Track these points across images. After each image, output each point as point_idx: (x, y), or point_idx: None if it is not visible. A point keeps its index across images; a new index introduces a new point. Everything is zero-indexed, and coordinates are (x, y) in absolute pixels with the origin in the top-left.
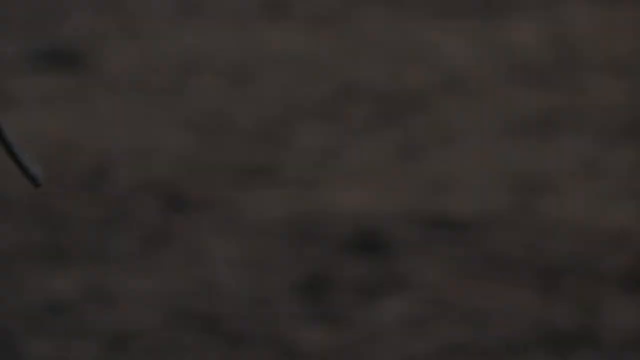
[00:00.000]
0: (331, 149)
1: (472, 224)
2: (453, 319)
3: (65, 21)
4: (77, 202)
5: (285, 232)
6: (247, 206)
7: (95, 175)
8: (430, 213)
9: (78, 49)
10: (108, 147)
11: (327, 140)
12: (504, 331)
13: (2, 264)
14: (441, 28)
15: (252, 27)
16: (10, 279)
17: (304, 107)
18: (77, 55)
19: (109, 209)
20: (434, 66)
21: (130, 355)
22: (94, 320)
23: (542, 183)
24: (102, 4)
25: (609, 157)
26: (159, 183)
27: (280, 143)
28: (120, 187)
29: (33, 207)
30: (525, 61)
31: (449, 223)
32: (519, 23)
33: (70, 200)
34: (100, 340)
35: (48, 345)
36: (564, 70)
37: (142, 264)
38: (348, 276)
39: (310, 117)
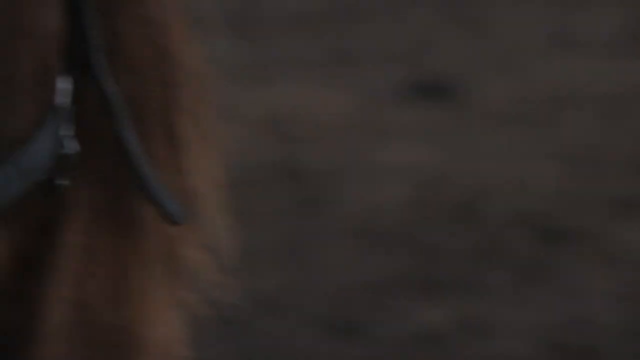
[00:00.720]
0: None
1: None
2: None
3: (438, 54)
4: (450, 234)
5: None
6: (622, 239)
7: (468, 207)
8: None
9: (451, 82)
10: (481, 179)
11: None
12: None
13: (376, 295)
14: None
15: (624, 59)
16: (384, 309)
17: None
18: (450, 88)
19: (481, 241)
20: None
21: None
22: (467, 352)
23: None
24: (474, 36)
25: None
26: (531, 215)
27: None
28: (492, 219)
29: (406, 238)
30: None
31: None
32: None
33: (443, 232)
34: None
35: None
36: None
37: (516, 296)
38: None
39: None
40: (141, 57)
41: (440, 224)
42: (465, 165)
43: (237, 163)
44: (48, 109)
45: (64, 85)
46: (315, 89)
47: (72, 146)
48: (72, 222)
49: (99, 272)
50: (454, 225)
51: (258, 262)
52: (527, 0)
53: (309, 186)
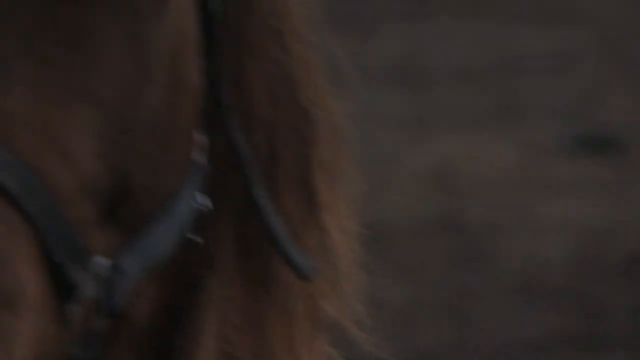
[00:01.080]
0: None
1: None
2: None
3: (603, 108)
4: (614, 290)
5: None
6: None
7: (633, 262)
8: None
9: (616, 136)
10: None
11: None
12: None
13: (538, 352)
14: None
15: None
16: None
17: None
18: (614, 142)
19: None
20: None
21: None
22: None
23: None
24: (638, 90)
25: None
26: None
27: None
28: None
29: (570, 294)
30: None
31: None
32: None
33: (608, 289)
34: None
35: None
36: None
37: None
38: None
39: None
40: (274, 114)
41: (604, 280)
42: (630, 220)
43: (401, 217)
44: (191, 164)
45: (201, 141)
46: (479, 143)
47: (205, 202)
48: (214, 278)
49: (242, 326)
50: (619, 281)
51: (421, 316)
52: None
53: (472, 241)
